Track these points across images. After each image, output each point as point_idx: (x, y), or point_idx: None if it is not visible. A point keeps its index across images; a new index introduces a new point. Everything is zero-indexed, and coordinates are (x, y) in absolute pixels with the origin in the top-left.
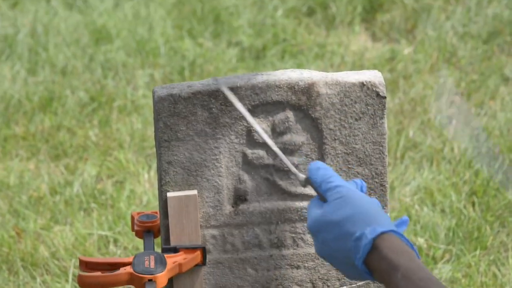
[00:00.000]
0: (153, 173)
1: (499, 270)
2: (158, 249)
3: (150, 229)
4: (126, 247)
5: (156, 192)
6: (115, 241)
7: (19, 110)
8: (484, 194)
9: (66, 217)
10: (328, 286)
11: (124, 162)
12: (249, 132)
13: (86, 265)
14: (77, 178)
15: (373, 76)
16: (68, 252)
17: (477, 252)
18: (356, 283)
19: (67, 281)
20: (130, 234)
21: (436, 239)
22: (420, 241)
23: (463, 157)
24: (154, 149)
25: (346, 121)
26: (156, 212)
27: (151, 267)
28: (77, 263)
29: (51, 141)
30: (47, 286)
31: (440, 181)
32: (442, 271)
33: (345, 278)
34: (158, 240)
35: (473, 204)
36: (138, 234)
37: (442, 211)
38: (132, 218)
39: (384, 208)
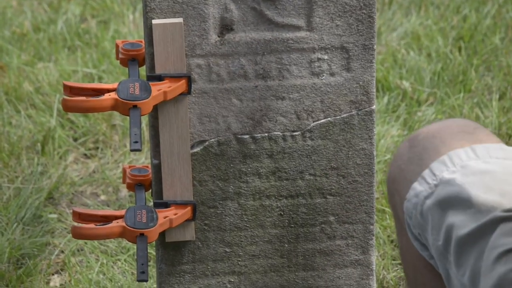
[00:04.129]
0: (138, 14)
1: (482, 112)
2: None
3: (135, 58)
4: None
5: (142, 33)
6: (100, 78)
7: None
8: (471, 39)
9: (50, 54)
10: (312, 117)
11: (108, 3)
12: None
13: (70, 90)
14: (60, 16)
15: None
16: (52, 88)
17: (461, 95)
18: (340, 115)
19: (51, 115)
20: (115, 73)
21: (421, 83)
22: (405, 84)
23: (452, 2)
24: None
25: None
26: (141, 41)
27: (136, 94)
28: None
29: None
30: (32, 120)
31: (427, 26)
32: (426, 113)
33: (329, 110)
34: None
35: (460, 49)
36: (123, 62)
37: (428, 55)
38: (117, 46)
39: (372, 41)
